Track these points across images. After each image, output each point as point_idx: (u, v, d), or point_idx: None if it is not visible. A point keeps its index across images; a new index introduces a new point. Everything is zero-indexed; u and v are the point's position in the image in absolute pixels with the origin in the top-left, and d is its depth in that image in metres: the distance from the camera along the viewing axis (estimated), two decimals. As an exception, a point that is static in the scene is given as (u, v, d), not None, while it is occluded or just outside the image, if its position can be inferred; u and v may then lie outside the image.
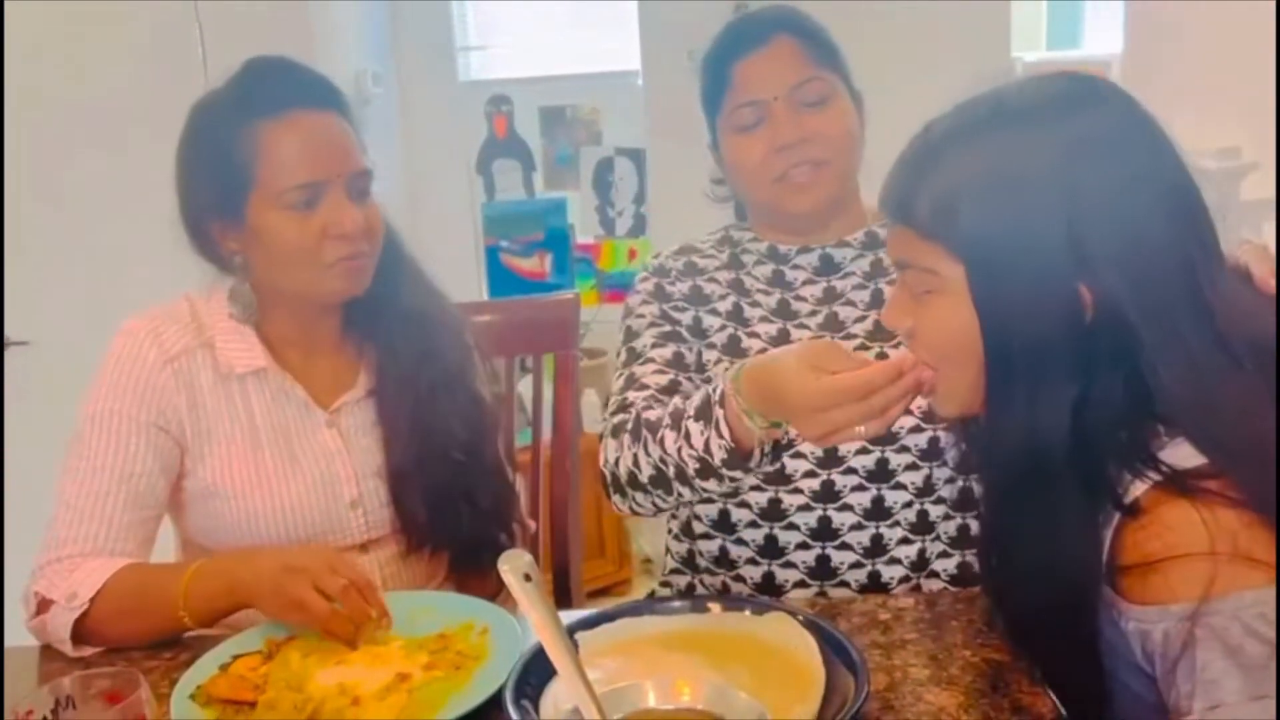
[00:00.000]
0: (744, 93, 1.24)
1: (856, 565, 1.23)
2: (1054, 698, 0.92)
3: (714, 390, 1.08)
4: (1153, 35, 3.23)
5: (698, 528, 1.31)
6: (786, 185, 1.25)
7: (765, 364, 1.02)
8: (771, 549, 1.25)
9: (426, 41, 3.80)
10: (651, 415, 1.18)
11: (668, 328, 1.31)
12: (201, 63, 2.56)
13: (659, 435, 1.14)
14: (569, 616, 0.97)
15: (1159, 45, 3.20)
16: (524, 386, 2.22)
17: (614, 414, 1.25)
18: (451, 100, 3.66)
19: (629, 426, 1.20)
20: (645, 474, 1.16)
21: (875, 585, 1.23)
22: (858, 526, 1.22)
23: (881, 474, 1.21)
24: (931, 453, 1.20)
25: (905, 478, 1.21)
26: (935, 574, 1.23)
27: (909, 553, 1.22)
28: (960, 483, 1.21)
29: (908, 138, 1.28)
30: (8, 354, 2.39)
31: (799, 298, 1.30)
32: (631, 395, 1.25)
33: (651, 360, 1.29)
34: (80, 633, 1.15)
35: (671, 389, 1.25)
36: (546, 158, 3.39)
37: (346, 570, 1.08)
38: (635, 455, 1.17)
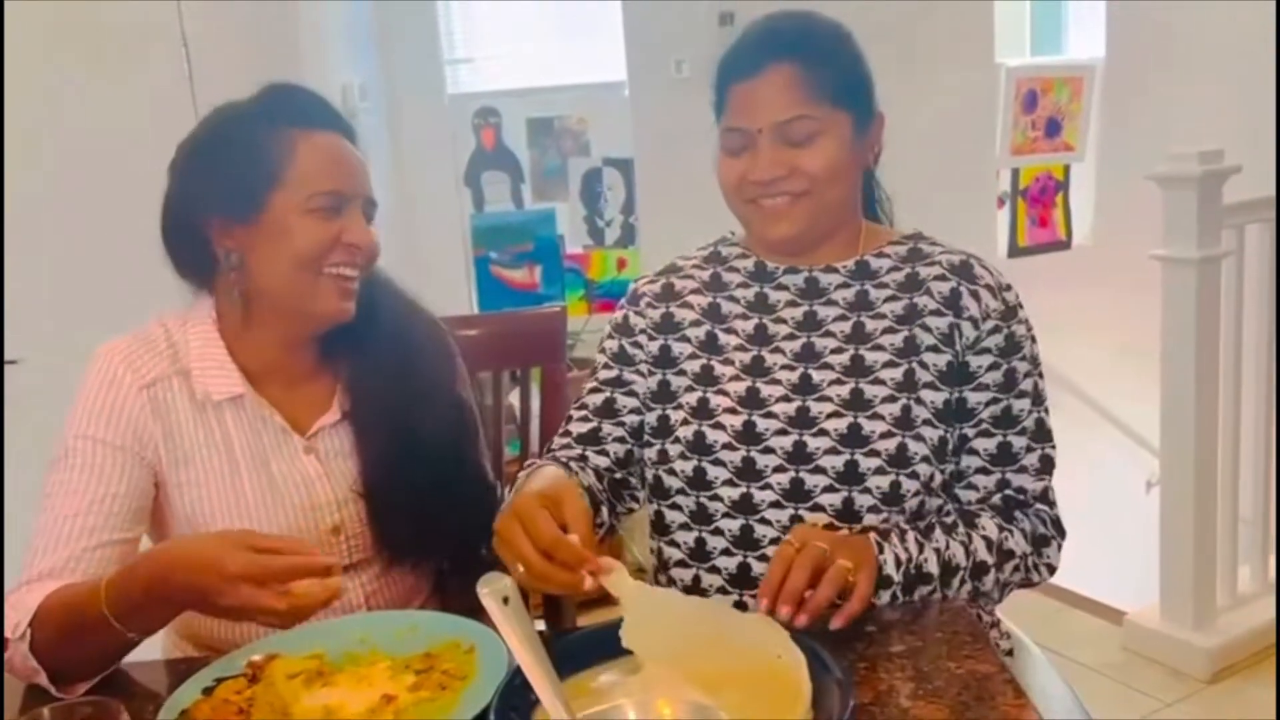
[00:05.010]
0: (733, 118, 1.24)
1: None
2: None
3: None
4: (1135, 39, 3.23)
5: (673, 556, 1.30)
6: (760, 210, 1.25)
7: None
8: (743, 578, 1.24)
9: (414, 54, 3.81)
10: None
11: (615, 371, 1.35)
12: (188, 78, 2.56)
13: None
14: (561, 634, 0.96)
15: (1141, 49, 3.21)
16: (513, 399, 2.23)
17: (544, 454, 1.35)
18: (439, 113, 3.67)
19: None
20: None
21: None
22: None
23: (848, 514, 1.20)
24: (893, 497, 1.20)
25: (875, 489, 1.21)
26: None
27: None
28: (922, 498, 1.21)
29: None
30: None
31: (779, 320, 1.29)
32: (557, 441, 1.35)
33: (584, 405, 1.36)
34: (44, 663, 1.08)
35: (592, 436, 1.33)
36: (535, 169, 3.39)
37: (262, 548, 1.02)
38: None
